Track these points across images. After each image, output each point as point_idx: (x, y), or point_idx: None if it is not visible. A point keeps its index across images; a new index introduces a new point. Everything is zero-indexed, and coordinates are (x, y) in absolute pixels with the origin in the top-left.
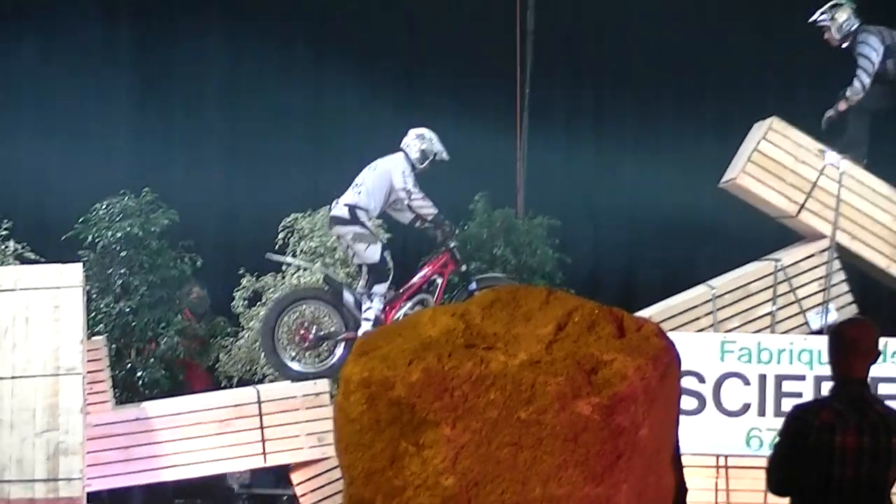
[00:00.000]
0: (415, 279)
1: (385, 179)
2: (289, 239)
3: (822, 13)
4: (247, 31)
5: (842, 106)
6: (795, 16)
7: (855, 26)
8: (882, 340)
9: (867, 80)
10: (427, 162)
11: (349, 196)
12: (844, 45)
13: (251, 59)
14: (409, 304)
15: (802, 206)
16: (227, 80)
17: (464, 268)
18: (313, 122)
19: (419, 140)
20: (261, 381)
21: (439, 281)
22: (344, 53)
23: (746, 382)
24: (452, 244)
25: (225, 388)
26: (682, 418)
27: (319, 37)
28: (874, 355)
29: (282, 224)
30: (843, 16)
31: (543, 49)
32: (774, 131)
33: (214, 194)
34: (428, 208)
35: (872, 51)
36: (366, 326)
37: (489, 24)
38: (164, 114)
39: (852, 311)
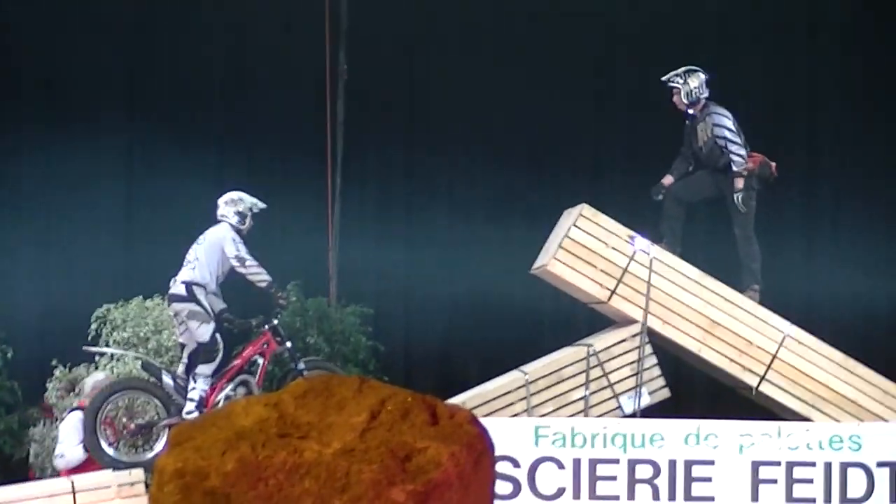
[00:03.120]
0: (235, 360)
1: (216, 250)
2: (101, 329)
3: (676, 75)
4: (58, 117)
5: (739, 184)
6: (606, 104)
7: (704, 95)
8: (695, 423)
9: (742, 151)
10: (248, 219)
11: (184, 273)
12: (691, 112)
13: (61, 146)
14: (231, 386)
15: (613, 292)
16: (38, 168)
17: (288, 344)
18: (124, 213)
19: (231, 205)
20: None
21: (260, 362)
22: (153, 143)
23: (561, 466)
24: (275, 322)
25: (39, 479)
26: (497, 503)
27: (130, 127)
28: None
29: (94, 315)
30: (695, 82)
31: (354, 138)
32: (584, 218)
33: (25, 285)
34: (262, 275)
35: (728, 121)
36: (190, 407)
37: (299, 114)
38: None
39: (664, 394)
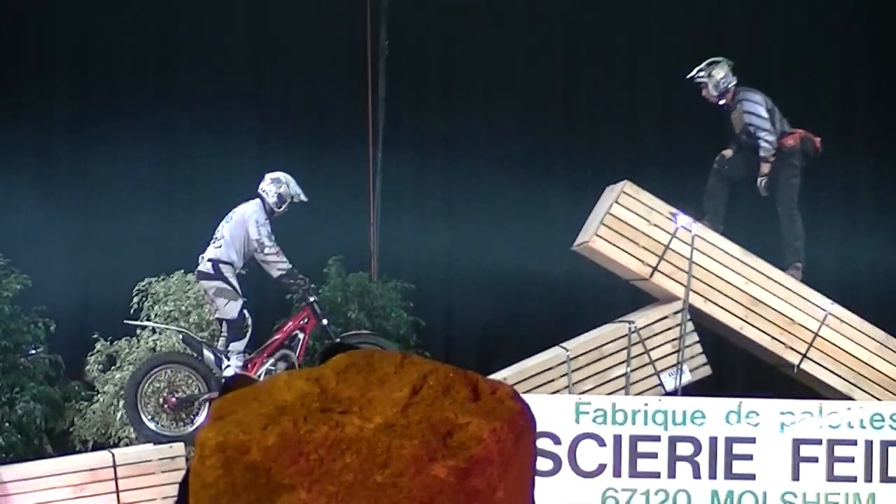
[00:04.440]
0: (276, 335)
1: (241, 228)
2: (143, 303)
3: (700, 70)
4: (95, 90)
5: (765, 169)
6: (647, 80)
7: (732, 83)
8: (736, 401)
9: (771, 137)
10: (285, 205)
11: (211, 251)
12: (722, 103)
13: (100, 119)
14: (271, 361)
15: (655, 269)
16: (76, 141)
17: (325, 321)
18: (165, 186)
19: (275, 184)
20: (116, 445)
21: (301, 336)
22: (195, 118)
23: (602, 443)
24: (312, 298)
25: (80, 452)
26: (537, 480)
27: (170, 102)
28: None
29: (136, 288)
30: (720, 73)
31: (395, 114)
32: (626, 194)
33: (67, 258)
34: (280, 263)
35: (759, 106)
36: None
37: (340, 89)
38: (13, 177)
39: (705, 372)
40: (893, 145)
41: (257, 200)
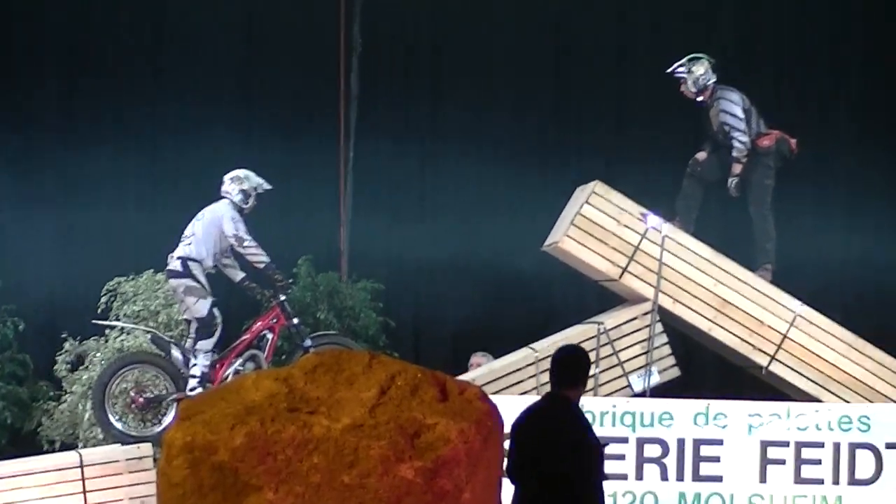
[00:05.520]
0: (244, 335)
1: (214, 227)
2: (112, 303)
3: (680, 65)
4: (79, 87)
5: (737, 169)
6: (627, 80)
7: (711, 81)
8: (704, 403)
9: (745, 138)
10: (251, 199)
11: (181, 249)
12: (700, 99)
13: (72, 124)
14: (240, 361)
15: (625, 270)
16: (49, 144)
17: (295, 320)
18: (135, 186)
19: (236, 182)
20: (84, 446)
21: (270, 336)
22: (165, 117)
23: None
24: (282, 297)
25: (47, 452)
26: (504, 481)
27: (143, 103)
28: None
29: (105, 288)
30: (699, 70)
31: (367, 112)
32: (597, 195)
33: (36, 258)
34: (260, 256)
35: (735, 106)
36: (192, 383)
37: (311, 85)
38: None
39: (674, 373)
40: (868, 146)
41: (225, 200)
